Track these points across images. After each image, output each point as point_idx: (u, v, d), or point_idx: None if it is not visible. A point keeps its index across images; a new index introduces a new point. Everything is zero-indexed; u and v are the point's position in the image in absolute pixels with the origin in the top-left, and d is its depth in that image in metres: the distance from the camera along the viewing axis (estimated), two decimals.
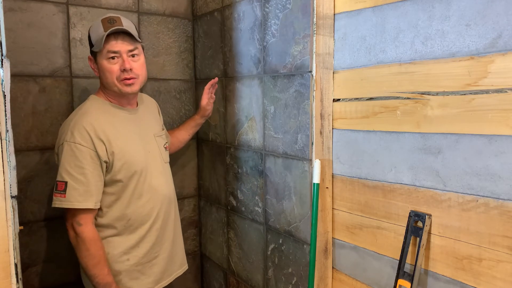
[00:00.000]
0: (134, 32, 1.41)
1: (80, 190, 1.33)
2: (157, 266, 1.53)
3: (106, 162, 1.37)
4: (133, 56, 1.41)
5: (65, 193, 1.32)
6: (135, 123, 1.50)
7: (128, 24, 1.42)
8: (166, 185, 1.57)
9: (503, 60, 0.99)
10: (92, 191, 1.35)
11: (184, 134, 1.87)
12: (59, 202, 1.33)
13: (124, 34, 1.39)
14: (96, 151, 1.35)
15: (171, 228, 1.58)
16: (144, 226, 1.47)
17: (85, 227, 1.35)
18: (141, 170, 1.45)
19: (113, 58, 1.38)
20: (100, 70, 1.41)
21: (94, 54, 1.42)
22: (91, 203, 1.35)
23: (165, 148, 1.62)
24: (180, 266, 1.65)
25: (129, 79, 1.41)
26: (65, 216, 1.38)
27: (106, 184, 1.40)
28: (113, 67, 1.39)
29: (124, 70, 1.39)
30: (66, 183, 1.33)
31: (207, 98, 1.83)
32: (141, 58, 1.45)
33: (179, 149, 1.92)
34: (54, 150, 1.42)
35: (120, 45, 1.38)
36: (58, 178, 1.34)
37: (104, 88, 1.45)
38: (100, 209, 1.41)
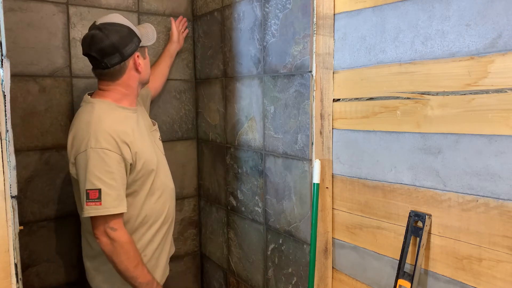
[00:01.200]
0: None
1: (114, 195, 1.31)
2: (164, 257, 1.57)
3: (131, 164, 1.37)
4: None
5: (101, 201, 1.29)
6: (138, 121, 1.51)
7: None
8: (170, 178, 1.61)
9: (503, 60, 0.99)
10: (122, 195, 1.34)
11: (165, 67, 1.97)
12: (94, 210, 1.29)
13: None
14: (122, 155, 1.33)
15: (174, 219, 1.64)
16: (159, 221, 1.50)
17: (120, 232, 1.33)
18: (156, 167, 1.47)
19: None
20: (146, 65, 1.50)
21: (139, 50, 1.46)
22: (124, 207, 1.34)
23: (160, 140, 1.66)
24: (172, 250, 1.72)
25: None
26: (94, 224, 1.34)
27: (127, 186, 1.39)
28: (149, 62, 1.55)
29: None
30: (99, 190, 1.29)
31: (177, 30, 1.99)
32: None
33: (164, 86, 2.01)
34: (70, 160, 1.37)
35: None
36: (89, 186, 1.29)
37: (132, 87, 1.47)
38: None
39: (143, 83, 1.54)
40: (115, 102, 1.43)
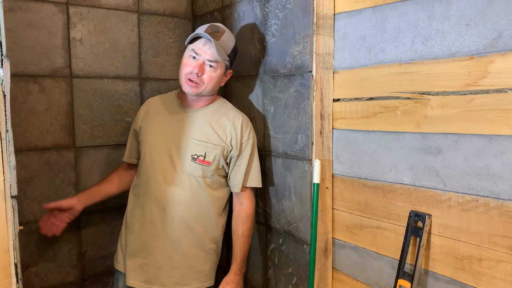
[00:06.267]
0: (221, 50, 1.47)
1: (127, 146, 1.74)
2: (133, 261, 1.55)
3: (135, 130, 1.67)
4: (210, 66, 1.49)
5: None
6: (180, 122, 1.56)
7: (227, 39, 1.50)
8: (163, 184, 1.51)
9: (503, 60, 0.99)
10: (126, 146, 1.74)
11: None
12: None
13: (211, 43, 1.45)
14: (136, 120, 1.68)
15: (166, 235, 1.52)
16: (137, 209, 1.59)
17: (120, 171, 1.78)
18: (149, 158, 1.56)
19: (194, 57, 1.48)
20: (181, 62, 1.53)
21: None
22: (125, 157, 1.73)
23: (195, 159, 1.50)
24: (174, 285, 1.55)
25: (192, 81, 1.48)
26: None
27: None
28: (188, 63, 1.49)
29: (191, 72, 1.47)
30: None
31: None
32: (216, 72, 1.51)
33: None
34: None
35: (203, 51, 1.47)
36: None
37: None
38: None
39: (180, 83, 1.54)
40: (176, 97, 1.65)
